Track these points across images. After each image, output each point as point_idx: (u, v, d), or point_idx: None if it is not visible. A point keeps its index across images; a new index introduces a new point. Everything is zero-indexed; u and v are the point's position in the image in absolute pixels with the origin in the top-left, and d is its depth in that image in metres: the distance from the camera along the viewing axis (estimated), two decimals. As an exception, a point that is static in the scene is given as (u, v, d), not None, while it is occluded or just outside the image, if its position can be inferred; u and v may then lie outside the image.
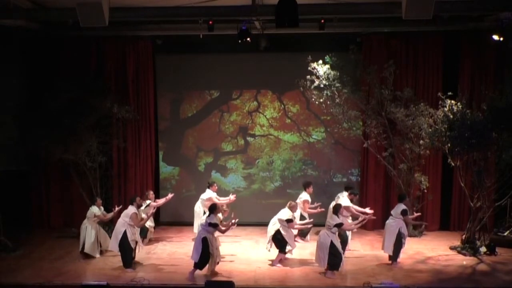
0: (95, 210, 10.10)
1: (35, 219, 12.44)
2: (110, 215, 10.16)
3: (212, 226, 8.73)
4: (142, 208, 10.00)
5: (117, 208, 10.03)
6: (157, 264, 9.62)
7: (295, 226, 9.66)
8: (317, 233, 9.73)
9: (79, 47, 11.93)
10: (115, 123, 11.90)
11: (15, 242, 10.53)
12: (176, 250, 10.55)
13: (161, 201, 11.06)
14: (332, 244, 8.76)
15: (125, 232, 9.17)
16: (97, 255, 10.02)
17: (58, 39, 11.85)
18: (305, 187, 11.01)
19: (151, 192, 10.90)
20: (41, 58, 11.88)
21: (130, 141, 12.15)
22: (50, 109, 10.99)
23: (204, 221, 9.20)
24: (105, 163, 11.64)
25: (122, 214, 9.37)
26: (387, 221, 9.59)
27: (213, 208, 8.98)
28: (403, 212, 9.41)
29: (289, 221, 9.33)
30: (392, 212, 9.60)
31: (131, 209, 9.31)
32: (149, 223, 10.68)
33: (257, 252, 10.33)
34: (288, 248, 9.49)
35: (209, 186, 11.06)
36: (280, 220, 9.36)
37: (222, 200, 10.82)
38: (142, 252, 10.04)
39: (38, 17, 10.48)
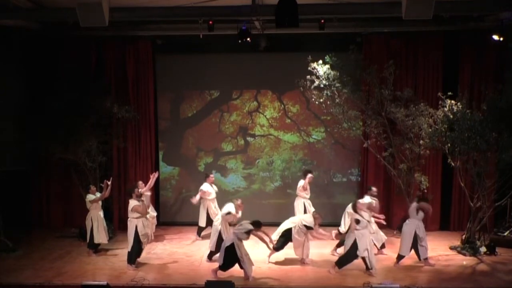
0: (91, 197, 10.09)
1: (35, 219, 12.44)
2: (105, 192, 10.03)
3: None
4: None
5: (108, 182, 9.97)
6: (157, 264, 9.62)
7: (313, 235, 9.48)
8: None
9: (79, 47, 11.93)
10: (115, 123, 11.88)
11: (15, 242, 10.52)
12: (176, 250, 10.54)
13: (150, 184, 10.67)
14: (354, 244, 8.78)
15: (136, 228, 9.20)
16: (106, 241, 10.24)
17: (58, 39, 11.84)
18: (305, 175, 11.03)
19: (140, 182, 10.55)
20: (41, 58, 11.87)
21: (130, 141, 12.14)
22: (50, 109, 10.99)
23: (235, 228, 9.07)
24: (105, 163, 11.62)
25: (128, 213, 9.34)
26: (404, 223, 9.61)
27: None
28: (414, 210, 9.36)
29: (309, 228, 9.33)
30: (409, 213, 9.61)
31: (131, 203, 9.28)
32: (150, 213, 10.70)
33: (257, 252, 10.30)
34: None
35: (206, 177, 11.10)
36: (301, 224, 9.34)
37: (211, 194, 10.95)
38: (142, 252, 10.03)
39: (38, 17, 10.49)
